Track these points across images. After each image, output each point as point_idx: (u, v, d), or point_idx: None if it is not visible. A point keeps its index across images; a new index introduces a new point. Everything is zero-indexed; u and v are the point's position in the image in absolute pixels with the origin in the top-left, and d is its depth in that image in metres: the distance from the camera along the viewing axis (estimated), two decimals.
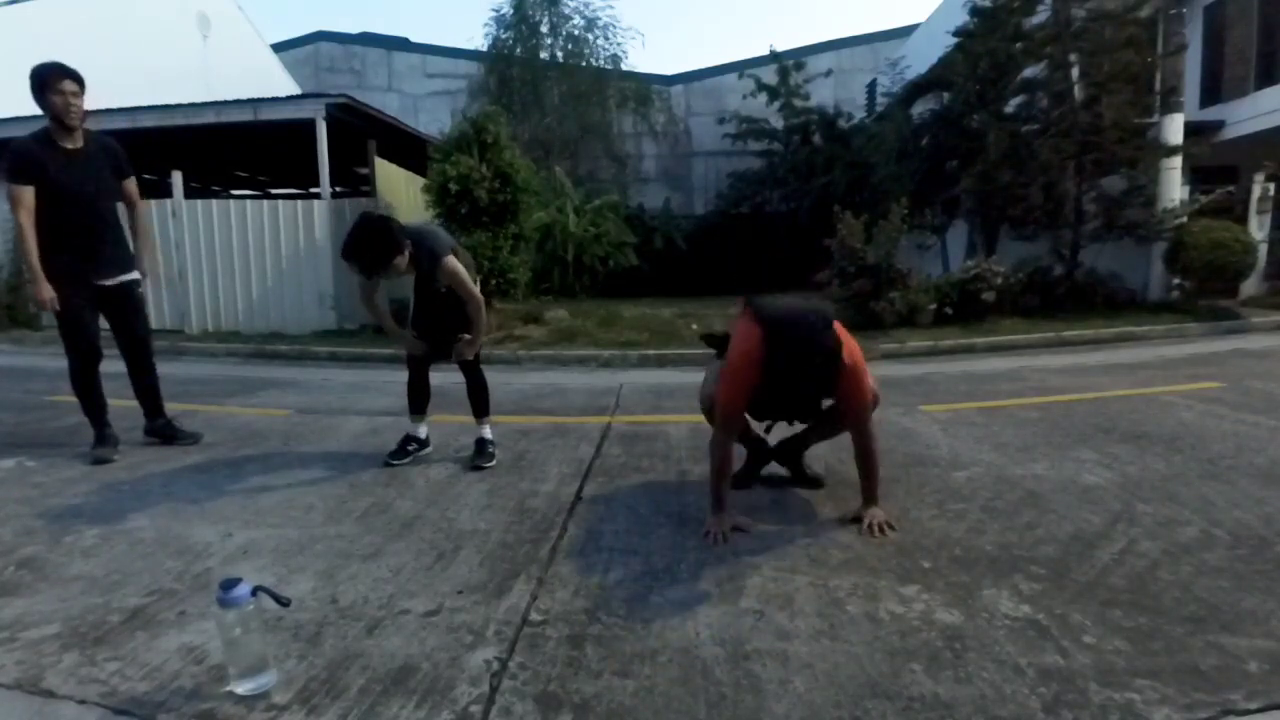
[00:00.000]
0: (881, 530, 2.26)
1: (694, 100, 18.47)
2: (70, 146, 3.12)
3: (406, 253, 2.84)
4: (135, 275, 3.43)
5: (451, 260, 2.96)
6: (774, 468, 2.87)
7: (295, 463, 3.25)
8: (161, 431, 3.57)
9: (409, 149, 9.87)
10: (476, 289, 3.06)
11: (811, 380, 2.17)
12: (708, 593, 1.90)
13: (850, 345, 2.22)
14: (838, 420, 2.53)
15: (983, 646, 1.60)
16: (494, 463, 3.12)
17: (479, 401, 3.26)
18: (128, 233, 3.46)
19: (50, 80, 3.02)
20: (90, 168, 3.18)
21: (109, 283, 3.29)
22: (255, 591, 1.50)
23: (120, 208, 3.40)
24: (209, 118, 8.84)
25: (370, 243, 2.77)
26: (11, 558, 2.18)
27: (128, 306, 3.41)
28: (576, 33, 16.35)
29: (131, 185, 3.40)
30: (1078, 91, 8.41)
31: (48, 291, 3.07)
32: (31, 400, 4.83)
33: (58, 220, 3.08)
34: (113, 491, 2.84)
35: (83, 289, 3.20)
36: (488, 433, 3.23)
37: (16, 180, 2.99)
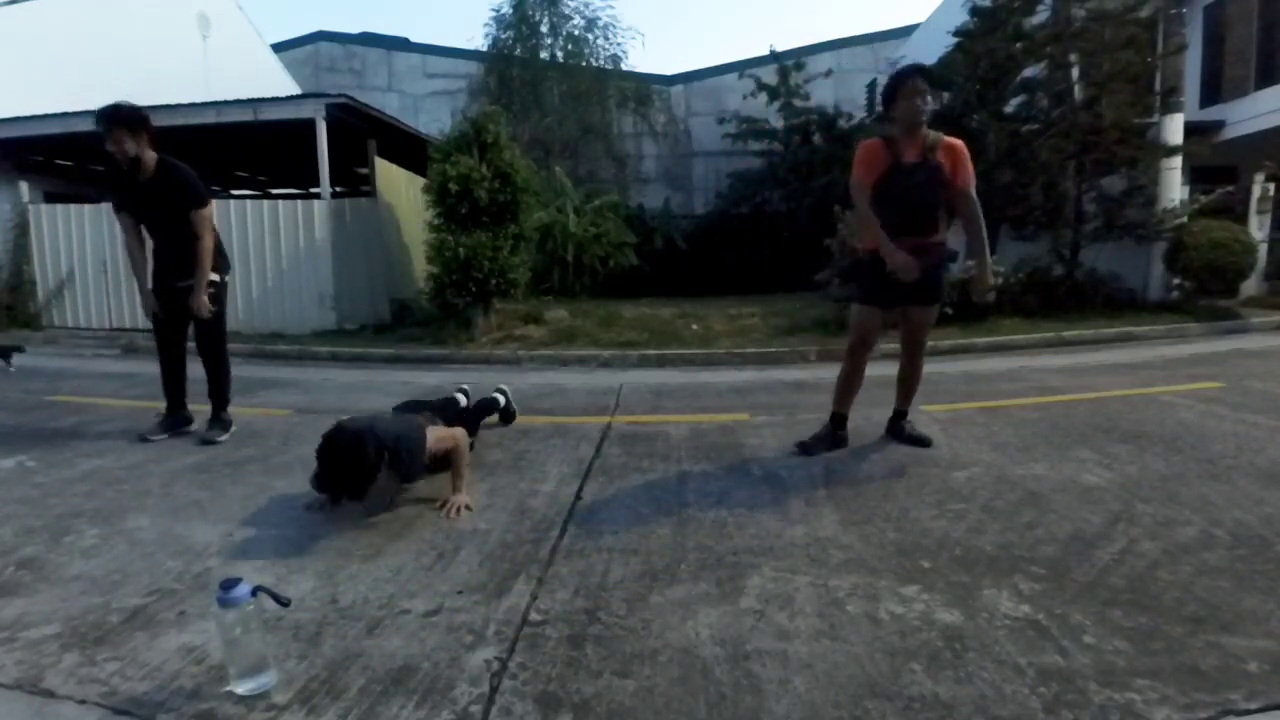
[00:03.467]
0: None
1: (694, 100, 18.44)
2: (140, 178, 3.53)
3: (385, 466, 2.44)
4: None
5: (429, 439, 2.61)
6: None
7: (295, 463, 3.25)
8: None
9: (409, 149, 9.87)
10: (460, 436, 2.71)
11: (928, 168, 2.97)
12: (708, 593, 1.90)
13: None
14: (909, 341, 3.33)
15: (983, 646, 1.60)
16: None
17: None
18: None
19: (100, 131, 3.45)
20: (153, 194, 3.57)
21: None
22: (255, 591, 1.50)
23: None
24: (209, 118, 8.83)
25: (346, 472, 2.37)
26: (11, 558, 2.18)
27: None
28: (576, 33, 16.35)
29: (194, 214, 3.62)
30: (1078, 91, 8.40)
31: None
32: (31, 400, 4.83)
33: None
34: (113, 491, 2.84)
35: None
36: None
37: (115, 208, 3.67)
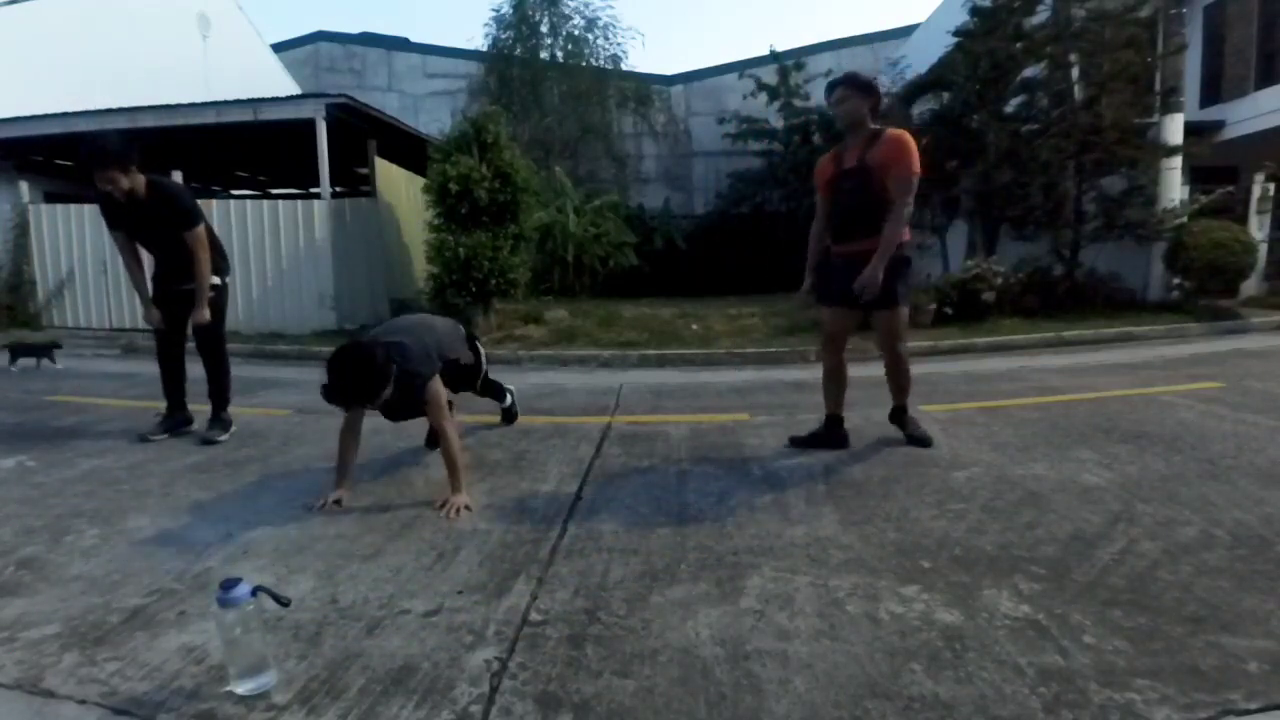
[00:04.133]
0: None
1: (694, 100, 18.45)
2: (133, 200, 3.47)
3: (393, 379, 2.57)
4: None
5: (436, 386, 2.73)
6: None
7: (295, 463, 3.25)
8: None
9: (409, 149, 9.88)
10: (452, 425, 2.70)
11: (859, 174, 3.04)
12: (708, 593, 1.90)
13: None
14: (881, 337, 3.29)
15: (983, 646, 1.60)
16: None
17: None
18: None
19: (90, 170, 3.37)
20: (145, 215, 3.53)
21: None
22: (255, 591, 1.50)
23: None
24: (209, 118, 8.84)
25: (354, 383, 2.50)
26: (11, 558, 2.18)
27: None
28: (576, 33, 16.36)
29: (186, 235, 3.63)
30: (1078, 91, 8.41)
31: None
32: (31, 400, 4.83)
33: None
34: (113, 491, 2.84)
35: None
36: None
37: (109, 226, 3.65)
